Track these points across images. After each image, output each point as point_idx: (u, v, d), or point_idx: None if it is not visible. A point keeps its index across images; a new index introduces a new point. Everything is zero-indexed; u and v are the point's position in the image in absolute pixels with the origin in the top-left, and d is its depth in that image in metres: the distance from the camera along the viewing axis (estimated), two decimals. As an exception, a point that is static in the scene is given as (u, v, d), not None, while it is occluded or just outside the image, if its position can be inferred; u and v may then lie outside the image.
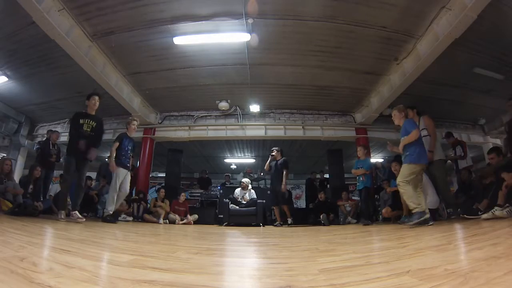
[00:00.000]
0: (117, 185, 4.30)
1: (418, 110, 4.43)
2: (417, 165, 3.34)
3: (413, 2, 3.89)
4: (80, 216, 3.61)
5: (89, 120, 3.90)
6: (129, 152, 4.53)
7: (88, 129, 3.87)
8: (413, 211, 3.14)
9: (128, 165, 4.51)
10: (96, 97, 3.95)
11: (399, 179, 3.32)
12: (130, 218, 5.61)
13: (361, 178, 5.09)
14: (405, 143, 3.38)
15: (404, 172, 3.31)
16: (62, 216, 3.56)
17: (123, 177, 4.38)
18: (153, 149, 7.56)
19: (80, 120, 3.85)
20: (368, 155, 5.46)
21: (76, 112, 3.96)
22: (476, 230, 2.26)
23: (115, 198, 4.31)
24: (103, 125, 4.16)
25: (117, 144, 4.40)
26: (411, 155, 3.33)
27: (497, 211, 3.00)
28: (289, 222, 5.35)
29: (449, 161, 5.64)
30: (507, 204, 3.04)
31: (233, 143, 9.77)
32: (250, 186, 6.24)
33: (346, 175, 8.01)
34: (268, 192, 7.31)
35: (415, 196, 3.23)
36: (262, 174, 10.02)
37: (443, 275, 0.81)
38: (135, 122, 4.68)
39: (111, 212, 4.23)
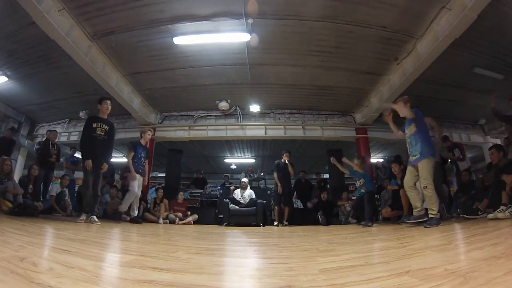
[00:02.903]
0: (136, 189, 4.64)
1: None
2: (434, 159, 3.25)
3: (413, 2, 3.89)
4: (96, 219, 3.72)
5: (102, 124, 3.99)
6: (142, 159, 4.86)
7: (102, 133, 3.96)
8: (432, 216, 3.04)
9: (141, 171, 4.84)
10: (108, 101, 4.09)
11: (426, 182, 3.11)
12: (127, 218, 5.60)
13: (358, 184, 5.09)
14: (396, 108, 3.30)
15: (427, 172, 3.14)
16: (82, 218, 3.63)
17: (140, 182, 4.73)
18: (153, 149, 7.54)
19: (93, 124, 3.92)
20: (364, 163, 5.33)
21: (88, 117, 4.07)
22: (476, 230, 2.26)
23: (131, 201, 4.66)
24: (115, 129, 4.32)
25: (132, 153, 4.73)
26: (425, 149, 3.19)
27: (500, 213, 2.99)
28: (284, 224, 5.45)
29: (448, 161, 5.65)
30: (509, 205, 3.03)
31: (233, 143, 9.77)
32: (248, 186, 6.26)
33: (346, 175, 7.99)
34: (269, 192, 7.32)
35: (437, 202, 3.12)
36: (262, 174, 10.03)
37: (443, 275, 0.81)
38: (150, 132, 5.10)
39: (135, 214, 4.75)
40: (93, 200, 3.90)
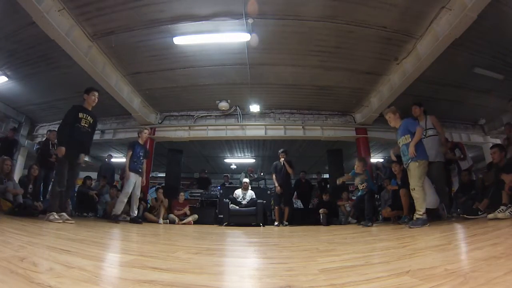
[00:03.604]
0: (130, 189, 4.58)
1: (424, 109, 4.41)
2: (426, 161, 3.35)
3: (413, 2, 3.89)
4: (68, 217, 3.43)
5: (87, 115, 3.73)
6: (141, 158, 4.85)
7: (86, 125, 3.71)
8: (419, 216, 3.14)
9: (140, 170, 4.82)
10: (96, 93, 3.84)
11: (414, 184, 3.23)
12: (127, 218, 5.60)
13: (361, 188, 5.09)
14: (415, 143, 3.31)
15: (417, 173, 3.25)
16: (56, 217, 3.23)
17: (134, 182, 4.66)
18: (153, 149, 7.55)
19: (79, 114, 3.65)
20: (366, 165, 5.35)
21: (74, 105, 3.76)
22: (476, 230, 2.26)
23: (125, 201, 4.57)
24: (97, 124, 4.08)
25: (130, 152, 4.72)
26: (417, 154, 3.30)
27: (500, 213, 2.99)
28: (285, 224, 5.45)
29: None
30: (509, 205, 3.03)
31: (233, 143, 9.77)
32: (249, 186, 6.27)
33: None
34: (269, 192, 7.32)
35: (424, 203, 3.21)
36: (262, 174, 10.03)
37: (443, 275, 0.81)
38: (146, 131, 5.11)
39: (118, 213, 4.49)
40: (66, 195, 3.60)
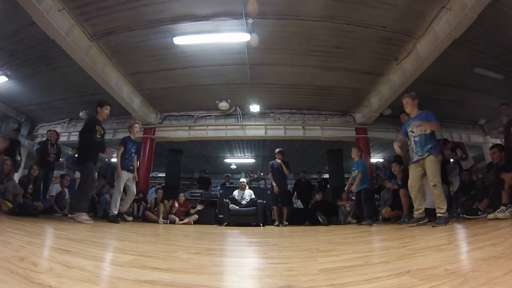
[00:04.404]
0: (121, 187, 4.48)
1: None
2: (440, 157, 3.31)
3: (413, 2, 3.89)
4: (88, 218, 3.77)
5: (100, 128, 4.08)
6: (132, 154, 4.72)
7: (99, 136, 4.05)
8: (441, 214, 3.05)
9: (131, 167, 4.67)
10: (109, 107, 4.17)
11: (434, 180, 3.13)
12: (130, 218, 5.61)
13: (353, 174, 5.09)
14: (431, 128, 3.25)
15: (435, 169, 3.16)
16: (87, 218, 3.62)
17: (126, 179, 4.55)
18: (153, 149, 7.56)
19: (96, 127, 4.00)
20: (362, 157, 5.40)
21: (91, 118, 4.15)
22: (476, 230, 2.26)
23: (119, 199, 4.46)
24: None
25: (122, 149, 4.59)
26: (433, 148, 3.24)
27: (500, 213, 2.99)
28: (284, 224, 5.44)
29: (451, 161, 5.63)
30: (509, 205, 3.03)
31: (233, 143, 9.77)
32: (247, 186, 6.26)
33: (346, 175, 8.01)
34: (268, 192, 7.31)
35: (445, 200, 3.14)
36: (262, 174, 10.03)
37: (443, 275, 0.81)
38: (137, 125, 4.88)
39: (115, 213, 4.35)
40: (86, 198, 3.96)
